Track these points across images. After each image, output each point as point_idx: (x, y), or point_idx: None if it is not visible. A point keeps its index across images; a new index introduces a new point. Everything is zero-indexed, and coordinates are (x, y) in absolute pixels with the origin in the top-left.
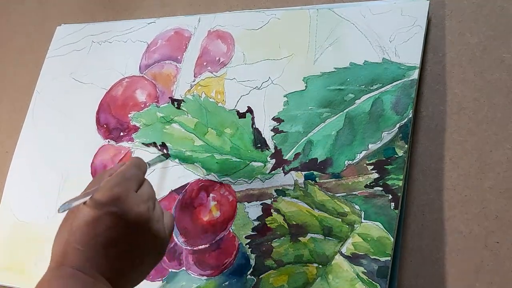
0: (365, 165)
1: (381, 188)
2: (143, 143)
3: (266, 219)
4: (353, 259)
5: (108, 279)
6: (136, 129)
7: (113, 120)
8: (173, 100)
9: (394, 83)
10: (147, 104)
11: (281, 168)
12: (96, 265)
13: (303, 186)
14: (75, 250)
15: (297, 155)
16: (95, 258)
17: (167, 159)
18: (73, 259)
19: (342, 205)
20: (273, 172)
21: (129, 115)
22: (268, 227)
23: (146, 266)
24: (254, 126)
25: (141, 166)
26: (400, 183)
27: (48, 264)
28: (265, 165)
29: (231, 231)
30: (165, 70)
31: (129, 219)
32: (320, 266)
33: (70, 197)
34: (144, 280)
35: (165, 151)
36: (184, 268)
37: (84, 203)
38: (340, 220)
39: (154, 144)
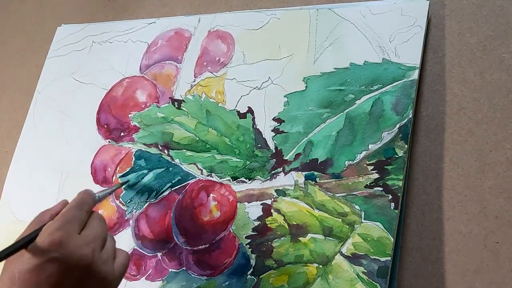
0: (365, 165)
1: (381, 188)
2: (144, 144)
3: (266, 219)
4: (353, 259)
5: None
6: (136, 129)
7: (113, 120)
8: (173, 100)
9: (394, 84)
10: (147, 104)
11: (282, 168)
12: None
13: (303, 186)
14: None
15: (297, 155)
16: None
17: (121, 186)
18: None
19: (342, 205)
20: (273, 172)
21: (130, 115)
22: (268, 227)
23: None
24: (254, 126)
25: (84, 205)
26: (400, 183)
27: None
28: (265, 165)
29: (231, 231)
30: (166, 70)
31: (71, 263)
32: (320, 266)
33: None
34: (144, 280)
35: (166, 151)
36: (184, 268)
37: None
38: (340, 220)
39: (155, 145)
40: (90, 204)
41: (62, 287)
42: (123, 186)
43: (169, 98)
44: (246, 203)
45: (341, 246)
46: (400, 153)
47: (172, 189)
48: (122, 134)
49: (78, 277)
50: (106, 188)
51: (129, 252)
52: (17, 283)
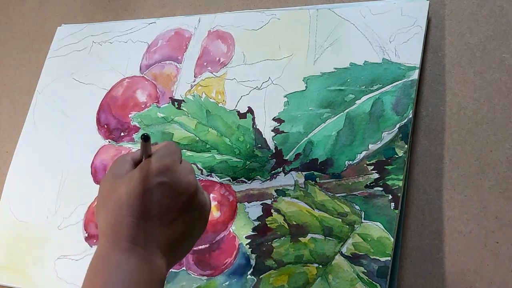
0: (365, 165)
1: (381, 188)
2: None
3: (266, 219)
4: (353, 259)
5: (162, 249)
6: (136, 129)
7: (113, 120)
8: (173, 100)
9: (394, 84)
10: (147, 105)
11: (282, 168)
12: (152, 236)
13: (303, 186)
14: (128, 223)
15: (297, 155)
16: (149, 229)
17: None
18: (127, 232)
19: (342, 205)
20: (273, 172)
21: (130, 115)
22: (269, 227)
23: (195, 236)
24: (254, 126)
25: (177, 144)
26: (400, 183)
27: (48, 264)
28: (265, 166)
29: (232, 231)
30: (166, 70)
31: (180, 188)
32: (320, 266)
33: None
34: None
35: None
36: (184, 268)
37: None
38: (340, 220)
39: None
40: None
41: (170, 210)
42: None
43: (169, 98)
44: (246, 203)
45: (341, 246)
46: (400, 153)
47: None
48: (122, 134)
49: (185, 202)
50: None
51: None
52: (124, 206)
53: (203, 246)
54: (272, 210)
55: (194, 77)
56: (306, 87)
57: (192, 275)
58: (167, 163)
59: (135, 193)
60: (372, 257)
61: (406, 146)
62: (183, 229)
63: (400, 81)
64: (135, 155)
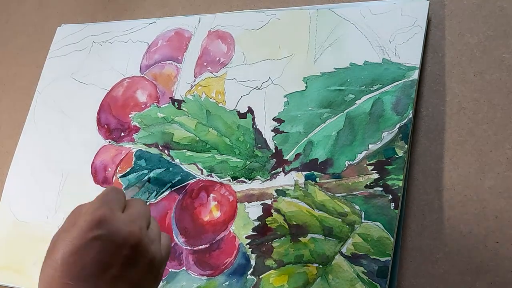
0: (365, 165)
1: (381, 188)
2: (144, 144)
3: (266, 219)
4: (353, 259)
5: None
6: (137, 129)
7: (113, 121)
8: (173, 101)
9: (394, 84)
10: (147, 105)
11: (282, 168)
12: None
13: (303, 186)
14: (64, 286)
15: (297, 155)
16: None
17: (143, 186)
18: None
19: (342, 205)
20: (273, 172)
21: (130, 116)
22: (269, 227)
23: None
24: (254, 126)
25: (119, 191)
26: (400, 183)
27: None
28: (265, 165)
29: (232, 231)
30: (166, 71)
31: (119, 240)
32: (320, 266)
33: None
34: None
35: (166, 151)
36: (184, 268)
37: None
38: (340, 220)
39: (156, 145)
40: (123, 193)
41: (110, 266)
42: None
43: (169, 98)
44: (246, 203)
45: (341, 246)
46: (400, 153)
47: (172, 189)
48: (122, 134)
49: (127, 256)
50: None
51: None
52: (59, 269)
53: (203, 246)
54: (272, 210)
55: (194, 77)
56: (306, 87)
57: (192, 275)
58: (101, 214)
59: (69, 251)
60: (372, 257)
61: (406, 146)
62: (127, 286)
63: (400, 81)
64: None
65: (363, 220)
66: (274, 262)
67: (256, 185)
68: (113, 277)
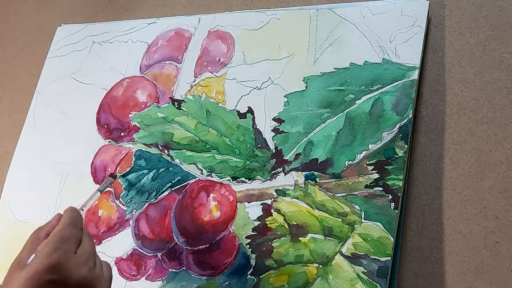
0: (365, 165)
1: (381, 188)
2: (144, 144)
3: (266, 219)
4: (353, 259)
5: None
6: (136, 129)
7: (113, 120)
8: (173, 100)
9: (394, 84)
10: (147, 105)
11: (282, 168)
12: None
13: (303, 186)
14: None
15: (297, 155)
16: None
17: (115, 179)
18: None
19: (342, 205)
20: (273, 172)
21: (130, 115)
22: (269, 227)
23: None
24: (255, 126)
25: (77, 222)
26: (400, 183)
27: None
28: (265, 165)
29: (232, 231)
30: (166, 70)
31: (71, 284)
32: (320, 266)
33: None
34: (144, 280)
35: (166, 151)
36: (184, 268)
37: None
38: (340, 220)
39: (155, 145)
40: (81, 221)
41: None
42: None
43: (169, 98)
44: (246, 203)
45: (341, 246)
46: (400, 153)
47: (172, 189)
48: (122, 134)
49: None
50: (86, 199)
51: (129, 252)
52: None
53: (203, 246)
54: (272, 210)
55: (194, 77)
56: (306, 87)
57: (192, 275)
58: (56, 259)
59: None
60: (372, 257)
61: (406, 146)
62: None
63: (400, 81)
64: (49, 230)
65: (363, 220)
66: (274, 262)
67: (256, 185)
68: None
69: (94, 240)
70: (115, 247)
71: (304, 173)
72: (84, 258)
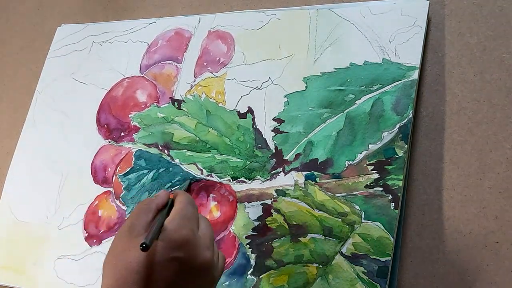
0: (365, 165)
1: (381, 188)
2: (144, 144)
3: (266, 219)
4: (353, 259)
5: None
6: (136, 129)
7: (113, 120)
8: (173, 101)
9: (394, 84)
10: (147, 105)
11: (282, 168)
12: None
13: (303, 186)
14: None
15: (297, 155)
16: None
17: (191, 181)
18: None
19: (342, 205)
20: (273, 172)
21: (130, 115)
22: (269, 227)
23: None
24: (255, 126)
25: (194, 203)
26: (400, 183)
27: (48, 264)
28: (265, 165)
29: (232, 231)
30: (166, 71)
31: (195, 265)
32: (321, 266)
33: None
34: None
35: (166, 151)
36: None
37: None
38: (340, 220)
39: (155, 145)
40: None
41: (178, 286)
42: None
43: (169, 98)
44: (246, 203)
45: (341, 246)
46: (400, 153)
47: (172, 189)
48: (122, 134)
49: (195, 279)
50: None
51: None
52: (133, 273)
53: None
54: (272, 210)
55: (194, 77)
56: (306, 87)
57: None
58: (184, 235)
59: (146, 262)
60: (372, 257)
61: (406, 146)
62: None
63: (400, 81)
64: (159, 203)
65: (363, 220)
66: (274, 262)
67: (256, 185)
68: None
69: (94, 240)
70: None
71: (304, 173)
72: (208, 242)
